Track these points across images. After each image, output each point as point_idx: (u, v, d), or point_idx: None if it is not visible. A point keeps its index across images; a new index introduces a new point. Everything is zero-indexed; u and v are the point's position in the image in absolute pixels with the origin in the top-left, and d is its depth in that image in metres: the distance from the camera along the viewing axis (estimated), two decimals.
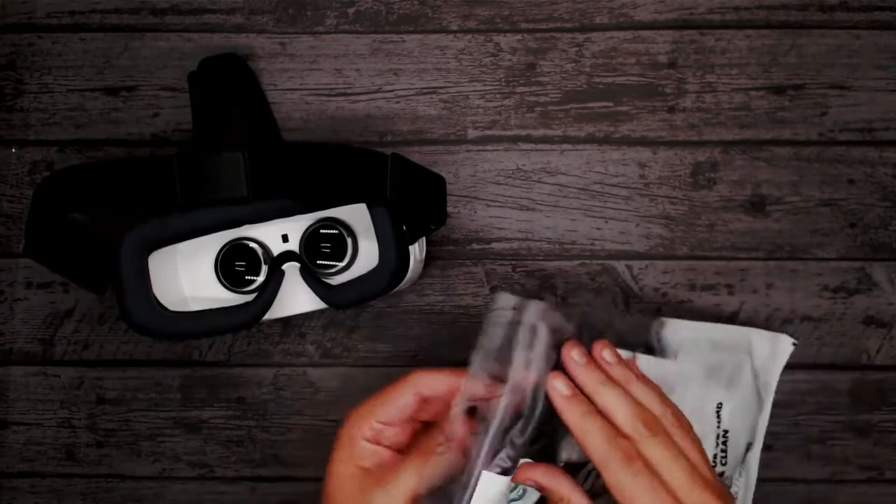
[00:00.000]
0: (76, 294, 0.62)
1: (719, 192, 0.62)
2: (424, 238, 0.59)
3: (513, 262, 0.62)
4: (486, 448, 0.45)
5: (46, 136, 0.63)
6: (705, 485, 0.44)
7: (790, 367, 0.61)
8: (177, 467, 0.62)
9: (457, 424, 0.46)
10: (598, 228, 0.62)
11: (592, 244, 0.62)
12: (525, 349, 0.47)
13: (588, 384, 0.47)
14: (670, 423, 0.46)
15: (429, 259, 0.61)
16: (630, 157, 0.62)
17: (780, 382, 0.61)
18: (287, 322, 0.62)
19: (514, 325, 0.47)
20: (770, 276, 0.61)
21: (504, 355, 0.47)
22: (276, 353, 0.62)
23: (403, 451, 0.48)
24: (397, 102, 0.62)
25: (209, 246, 0.58)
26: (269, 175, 0.52)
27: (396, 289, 0.56)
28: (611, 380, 0.47)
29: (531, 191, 0.62)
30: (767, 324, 0.61)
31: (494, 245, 0.62)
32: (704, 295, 0.61)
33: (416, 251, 0.57)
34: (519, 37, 0.62)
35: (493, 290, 0.62)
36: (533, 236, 0.62)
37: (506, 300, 0.49)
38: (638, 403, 0.46)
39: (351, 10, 0.63)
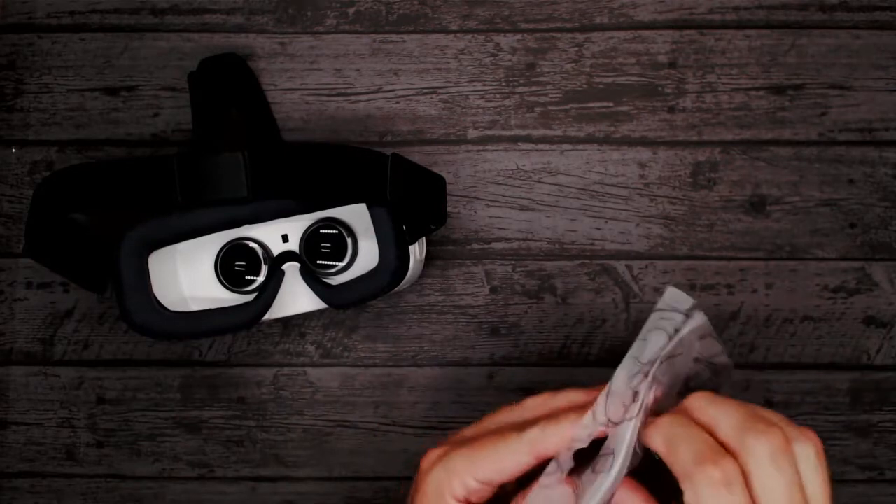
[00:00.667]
0: (76, 294, 0.62)
1: (719, 192, 0.62)
2: (424, 238, 0.59)
3: (513, 262, 0.62)
4: (604, 490, 0.37)
5: (46, 136, 0.63)
6: None
7: (790, 366, 0.61)
8: (177, 467, 0.62)
9: (569, 458, 0.39)
10: (598, 228, 0.62)
11: (592, 244, 0.62)
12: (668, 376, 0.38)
13: (689, 405, 0.38)
14: (800, 442, 0.37)
15: (429, 259, 0.61)
16: (630, 157, 0.62)
17: (780, 383, 0.61)
18: (287, 322, 0.62)
19: (677, 338, 0.39)
20: (770, 276, 0.61)
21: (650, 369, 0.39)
22: (276, 353, 0.62)
23: None
24: (397, 102, 0.62)
25: (209, 246, 0.58)
26: (269, 175, 0.52)
27: (396, 289, 0.56)
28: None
29: (531, 191, 0.62)
30: (767, 324, 0.61)
31: (494, 245, 0.62)
32: (704, 295, 0.61)
33: (416, 251, 0.57)
34: (519, 37, 0.62)
35: (493, 290, 0.62)
36: (533, 236, 0.62)
37: (680, 301, 0.40)
38: (754, 414, 0.37)
39: (351, 10, 0.63)
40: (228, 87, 0.61)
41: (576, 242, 0.62)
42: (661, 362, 0.39)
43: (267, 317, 0.56)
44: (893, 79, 0.62)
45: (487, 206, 0.62)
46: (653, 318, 0.40)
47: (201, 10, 0.63)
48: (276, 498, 0.62)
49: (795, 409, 0.61)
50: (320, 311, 0.61)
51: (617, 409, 0.38)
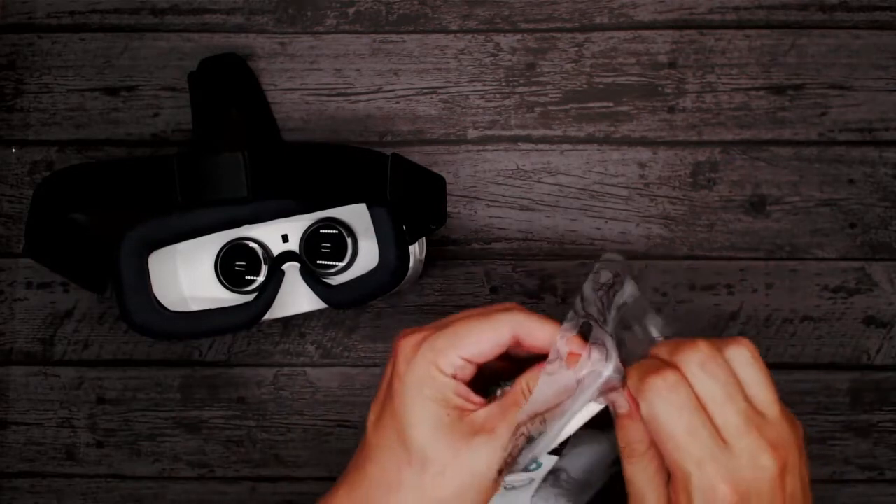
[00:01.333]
0: (76, 294, 0.62)
1: (719, 192, 0.62)
2: (424, 238, 0.59)
3: (513, 262, 0.62)
4: (608, 371, 0.41)
5: (46, 136, 0.63)
6: (762, 428, 0.39)
7: (790, 366, 0.61)
8: (177, 467, 0.62)
9: (569, 340, 0.42)
10: (598, 228, 0.62)
11: (592, 244, 0.62)
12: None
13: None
14: (731, 348, 0.40)
15: (429, 259, 0.61)
16: (630, 157, 0.62)
17: (780, 383, 0.61)
18: (287, 322, 0.62)
19: (624, 294, 0.45)
20: (770, 276, 0.61)
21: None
22: (276, 353, 0.62)
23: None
24: (397, 102, 0.62)
25: (209, 246, 0.58)
26: (269, 175, 0.52)
27: (396, 289, 0.56)
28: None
29: (531, 191, 0.62)
30: (767, 323, 0.61)
31: (494, 245, 0.62)
32: (704, 295, 0.61)
33: (417, 251, 0.57)
34: (519, 37, 0.62)
35: (493, 290, 0.62)
36: (533, 236, 0.62)
37: (612, 255, 0.45)
38: (685, 339, 0.41)
39: (351, 10, 0.63)
40: (228, 87, 0.61)
41: (576, 242, 0.62)
42: (617, 309, 0.45)
43: (267, 317, 0.56)
44: (893, 79, 0.62)
45: (487, 206, 0.62)
46: (596, 266, 0.45)
47: (201, 10, 0.63)
48: (276, 498, 0.62)
49: (795, 409, 0.61)
50: (320, 311, 0.61)
51: (591, 309, 0.43)
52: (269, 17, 0.63)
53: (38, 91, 0.63)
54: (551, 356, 0.42)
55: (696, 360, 0.40)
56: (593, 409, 0.43)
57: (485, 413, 0.42)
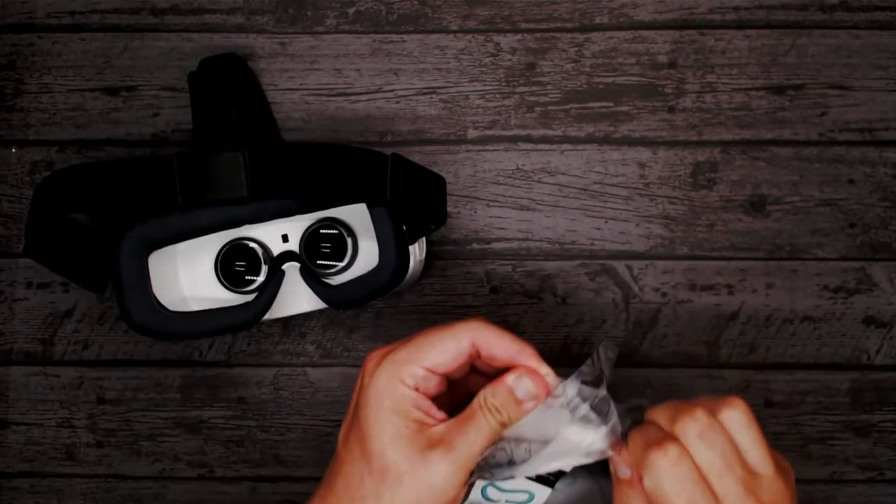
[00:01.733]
0: (76, 294, 0.62)
1: (719, 192, 0.62)
2: (424, 238, 0.59)
3: (513, 262, 0.62)
4: (599, 443, 0.42)
5: (46, 136, 0.63)
6: (759, 492, 0.40)
7: (790, 366, 0.61)
8: (177, 467, 0.62)
9: (549, 374, 0.43)
10: (598, 228, 0.62)
11: (592, 244, 0.62)
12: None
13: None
14: (724, 411, 0.41)
15: (429, 259, 0.61)
16: (630, 157, 0.62)
17: (780, 383, 0.61)
18: (287, 322, 0.62)
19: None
20: (770, 276, 0.61)
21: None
22: (276, 353, 0.62)
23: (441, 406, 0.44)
24: (397, 102, 0.62)
25: (209, 246, 0.58)
26: (269, 175, 0.52)
27: (397, 289, 0.56)
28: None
29: (531, 191, 0.62)
30: (767, 324, 0.61)
31: (494, 245, 0.62)
32: (704, 295, 0.61)
33: (417, 251, 0.57)
34: (519, 37, 0.62)
35: (493, 290, 0.62)
36: (533, 236, 0.62)
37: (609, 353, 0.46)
38: (681, 404, 0.42)
39: (351, 10, 0.63)
40: (228, 87, 0.61)
41: (576, 242, 0.62)
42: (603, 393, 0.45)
43: (267, 317, 0.56)
44: (893, 79, 0.62)
45: (487, 206, 0.62)
46: (605, 343, 0.47)
47: (201, 10, 0.63)
48: (276, 498, 0.62)
49: (795, 409, 0.61)
50: (320, 311, 0.61)
51: (605, 367, 0.44)
52: (269, 17, 0.63)
53: (38, 91, 0.63)
54: (557, 391, 0.43)
55: (695, 430, 0.40)
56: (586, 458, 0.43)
57: (443, 427, 0.43)
